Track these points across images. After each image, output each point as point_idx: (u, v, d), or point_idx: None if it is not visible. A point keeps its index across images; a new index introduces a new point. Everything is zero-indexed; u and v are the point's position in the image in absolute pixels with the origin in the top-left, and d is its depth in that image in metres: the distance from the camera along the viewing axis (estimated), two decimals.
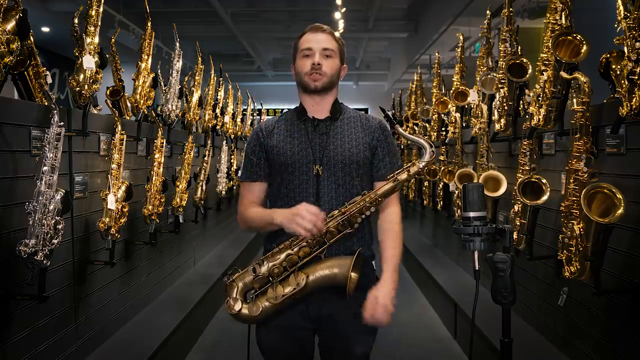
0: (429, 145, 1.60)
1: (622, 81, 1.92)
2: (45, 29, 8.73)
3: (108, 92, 3.22)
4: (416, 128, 5.92)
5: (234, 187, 6.02)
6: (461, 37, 4.47)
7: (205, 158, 4.64)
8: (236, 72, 12.83)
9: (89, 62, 2.49)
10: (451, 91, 4.39)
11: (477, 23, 6.10)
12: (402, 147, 6.82)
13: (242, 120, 6.91)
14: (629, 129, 2.07)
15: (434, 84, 5.25)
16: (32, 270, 2.00)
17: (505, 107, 3.08)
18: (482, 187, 1.47)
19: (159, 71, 3.57)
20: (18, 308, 2.09)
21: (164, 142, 3.39)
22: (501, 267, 1.39)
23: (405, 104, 7.08)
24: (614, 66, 2.05)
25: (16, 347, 2.08)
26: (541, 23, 2.97)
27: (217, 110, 5.40)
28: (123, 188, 2.75)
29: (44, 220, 2.00)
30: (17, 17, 2.02)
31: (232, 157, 5.84)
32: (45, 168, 2.02)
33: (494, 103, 3.31)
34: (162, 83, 3.69)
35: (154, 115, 3.75)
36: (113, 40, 3.29)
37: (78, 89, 2.49)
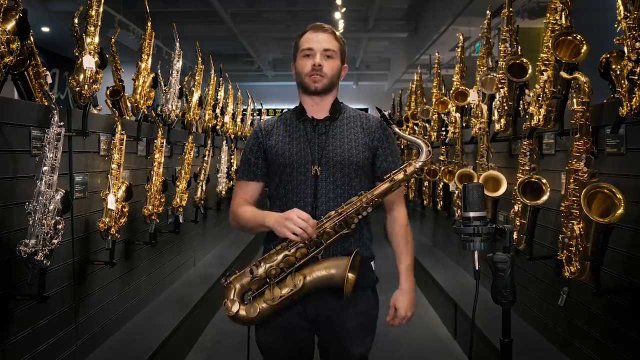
0: (425, 144, 1.60)
1: (622, 81, 1.92)
2: (45, 29, 8.72)
3: (108, 92, 3.22)
4: (416, 128, 5.92)
5: (234, 187, 6.01)
6: (461, 37, 4.47)
7: (205, 158, 4.64)
8: (236, 72, 12.82)
9: (89, 62, 2.49)
10: (451, 91, 4.39)
11: (477, 23, 6.10)
12: (402, 147, 6.82)
13: (242, 120, 6.91)
14: (629, 129, 2.07)
15: (434, 84, 5.25)
16: (32, 270, 2.00)
17: (505, 107, 3.08)
18: (482, 187, 1.47)
19: (159, 71, 3.57)
20: (18, 308, 2.09)
21: (164, 142, 3.39)
22: (501, 267, 1.39)
23: (405, 104, 7.08)
24: (614, 66, 2.05)
25: (16, 347, 2.08)
26: (541, 23, 2.97)
27: (217, 110, 5.40)
28: (123, 188, 2.75)
29: (44, 220, 2.00)
30: (17, 17, 2.02)
31: (232, 157, 5.84)
32: (45, 168, 2.02)
33: (494, 103, 3.31)
34: (162, 83, 3.69)
35: (154, 115, 3.75)
36: (113, 40, 3.29)
37: (78, 89, 2.49)
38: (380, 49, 13.85)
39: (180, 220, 3.85)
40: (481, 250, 1.42)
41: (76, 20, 2.50)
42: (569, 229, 2.17)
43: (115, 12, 7.50)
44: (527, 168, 2.74)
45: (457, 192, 4.02)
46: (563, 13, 2.44)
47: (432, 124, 5.28)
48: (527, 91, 2.89)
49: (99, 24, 2.56)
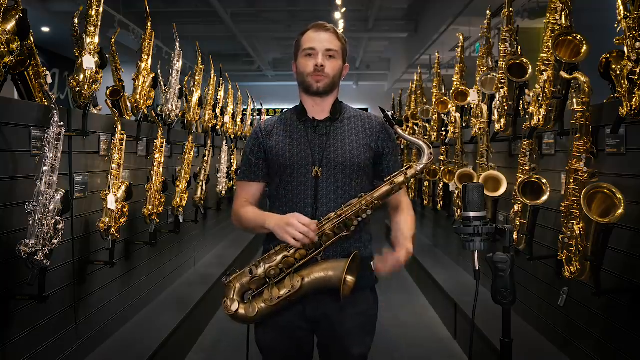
0: (427, 147, 1.59)
1: (622, 81, 1.92)
2: (45, 29, 8.73)
3: (108, 92, 3.22)
4: (416, 128, 5.92)
5: (234, 187, 6.02)
6: (461, 37, 4.47)
7: (205, 158, 4.64)
8: (236, 72, 12.83)
9: (89, 62, 2.49)
10: (451, 91, 4.39)
11: (477, 23, 6.10)
12: (402, 147, 6.82)
13: (242, 120, 6.91)
14: (629, 129, 2.07)
15: (434, 84, 5.24)
16: (32, 270, 2.00)
17: (505, 107, 3.08)
18: (482, 187, 1.47)
19: (159, 71, 3.57)
20: (18, 308, 2.09)
21: (164, 142, 3.39)
22: (501, 267, 1.39)
23: (405, 104, 7.08)
24: (614, 66, 2.05)
25: (16, 347, 2.08)
26: (541, 23, 2.97)
27: (217, 110, 5.41)
28: (123, 188, 2.75)
29: (44, 220, 2.00)
30: (17, 17, 2.02)
31: (232, 157, 5.84)
32: (45, 168, 2.02)
33: (494, 103, 3.31)
34: (162, 83, 3.69)
35: (154, 115, 3.75)
36: (113, 40, 3.29)
37: (78, 89, 2.49)
38: (380, 49, 13.85)
39: (180, 220, 3.85)
40: (481, 250, 1.42)
41: (76, 20, 2.50)
42: (569, 229, 2.17)
43: (115, 12, 7.50)
44: (527, 168, 2.74)
45: (457, 192, 4.02)
46: (563, 13, 2.44)
47: (432, 124, 5.28)
48: (527, 91, 2.89)
49: (99, 24, 2.56)
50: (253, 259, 5.28)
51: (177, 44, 3.86)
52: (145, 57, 3.36)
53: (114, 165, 2.71)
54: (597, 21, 3.24)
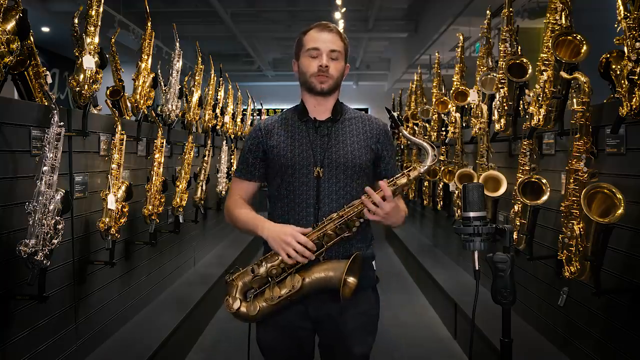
0: (431, 148, 1.58)
1: (622, 81, 1.92)
2: (45, 29, 8.72)
3: (108, 92, 3.22)
4: (416, 128, 5.92)
5: (231, 184, 6.01)
6: (461, 37, 4.47)
7: (205, 158, 4.64)
8: (236, 72, 12.82)
9: (89, 62, 2.49)
10: (451, 91, 4.39)
11: (477, 23, 6.10)
12: (402, 147, 6.82)
13: (242, 120, 6.91)
14: (629, 129, 2.07)
15: (434, 84, 5.24)
16: (32, 270, 2.00)
17: (505, 107, 3.08)
18: (482, 187, 1.47)
19: (159, 71, 3.57)
20: (18, 308, 2.09)
21: (164, 142, 3.39)
22: (501, 267, 1.39)
23: (405, 104, 7.07)
24: (614, 66, 2.05)
25: (16, 347, 2.08)
26: (541, 23, 2.97)
27: (217, 110, 5.41)
28: (123, 188, 2.75)
29: (44, 220, 2.00)
30: (17, 17, 2.02)
31: (232, 157, 5.84)
32: (45, 168, 2.02)
33: (494, 103, 3.31)
34: (162, 83, 3.69)
35: (154, 115, 3.75)
36: (113, 40, 3.29)
37: (78, 89, 2.49)
38: (380, 49, 13.85)
39: (180, 220, 3.85)
40: (481, 250, 1.42)
41: (76, 20, 2.50)
42: (569, 229, 2.17)
43: (115, 12, 7.50)
44: (527, 168, 2.74)
45: (457, 192, 4.02)
46: (563, 13, 2.44)
47: (432, 124, 5.28)
48: (527, 91, 2.89)
49: (99, 24, 2.56)
50: (253, 259, 5.27)
51: (177, 44, 3.86)
52: (145, 57, 3.36)
53: (114, 165, 2.71)
54: (597, 21, 3.24)
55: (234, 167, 5.74)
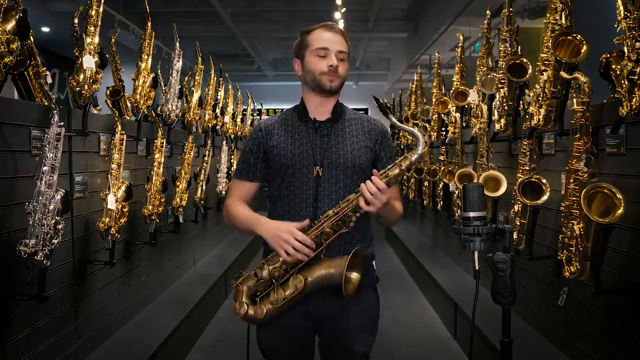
0: (422, 135, 1.57)
1: (622, 81, 1.92)
2: (45, 29, 8.72)
3: (108, 92, 3.22)
4: (416, 128, 5.92)
5: (230, 185, 6.01)
6: (461, 37, 4.47)
7: (205, 158, 4.64)
8: (236, 72, 12.82)
9: (89, 62, 2.49)
10: (451, 91, 4.39)
11: (477, 23, 6.10)
12: (402, 147, 6.82)
13: (242, 120, 6.92)
14: (629, 129, 2.07)
15: (434, 84, 5.24)
16: (32, 270, 2.00)
17: (505, 107, 3.08)
18: (482, 187, 1.47)
19: (159, 71, 3.57)
20: (18, 308, 2.09)
21: (164, 142, 3.39)
22: (501, 267, 1.39)
23: (405, 104, 7.07)
24: (614, 66, 2.05)
25: (16, 347, 2.08)
26: (541, 23, 2.97)
27: (217, 110, 5.41)
28: (123, 188, 2.75)
29: (44, 220, 2.00)
30: (17, 17, 2.02)
31: (232, 157, 5.84)
32: (45, 168, 2.02)
33: (494, 103, 3.31)
34: (162, 83, 3.69)
35: (154, 115, 3.75)
36: (113, 40, 3.29)
37: (78, 89, 2.49)
38: (380, 49, 13.85)
39: (180, 220, 3.85)
40: (481, 250, 1.42)
41: (76, 20, 2.50)
42: (569, 229, 2.17)
43: (115, 12, 7.50)
44: (527, 168, 2.74)
45: (457, 192, 4.02)
46: (563, 13, 2.44)
47: (432, 124, 5.28)
48: (527, 91, 2.89)
49: (99, 24, 2.56)
50: (253, 259, 5.26)
51: (177, 44, 3.86)
52: (145, 57, 3.36)
53: (114, 165, 2.71)
54: (597, 21, 3.24)
55: (234, 167, 5.74)
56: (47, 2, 8.30)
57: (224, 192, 5.40)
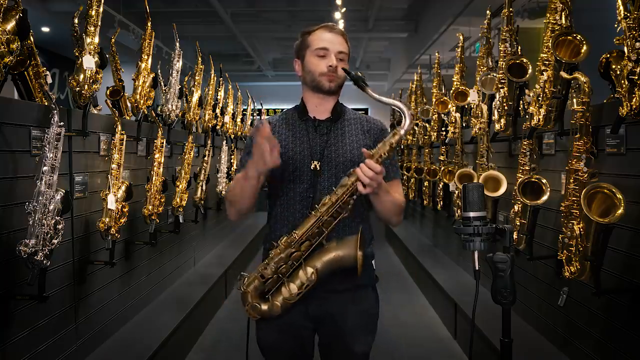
0: (407, 107, 1.55)
1: (622, 81, 1.92)
2: (45, 29, 8.72)
3: (108, 92, 3.22)
4: (416, 128, 5.92)
5: (232, 182, 6.01)
6: (461, 37, 4.47)
7: (205, 158, 4.64)
8: (236, 72, 12.82)
9: (89, 62, 2.49)
10: (451, 91, 4.39)
11: (477, 23, 6.10)
12: (402, 147, 6.82)
13: (242, 120, 6.92)
14: (629, 129, 2.07)
15: (434, 84, 5.24)
16: (32, 270, 2.00)
17: (505, 107, 3.08)
18: (482, 187, 1.47)
19: (159, 71, 3.57)
20: (18, 308, 2.09)
21: (164, 142, 3.39)
22: (501, 267, 1.39)
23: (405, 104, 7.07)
24: (614, 66, 2.05)
25: (16, 347, 2.08)
26: (541, 23, 2.97)
27: (217, 110, 5.41)
28: (123, 188, 2.75)
29: (44, 220, 2.00)
30: (17, 17, 2.02)
31: (232, 157, 5.84)
32: (45, 168, 2.02)
33: (494, 103, 3.31)
34: (162, 83, 3.69)
35: (154, 115, 3.75)
36: (113, 40, 3.29)
37: (78, 89, 2.49)
38: (380, 49, 13.84)
39: (180, 220, 3.85)
40: (481, 250, 1.42)
41: (76, 20, 2.50)
42: (569, 229, 2.17)
43: (115, 12, 7.50)
44: (527, 168, 2.74)
45: (457, 192, 4.02)
46: (563, 13, 2.44)
47: (432, 124, 5.28)
48: (527, 91, 2.89)
49: (99, 24, 2.56)
50: (253, 258, 5.24)
51: (177, 44, 3.86)
52: (145, 57, 3.36)
53: (114, 165, 2.71)
54: (597, 21, 3.24)
55: (234, 167, 5.75)
56: (47, 2, 8.30)
57: (223, 192, 5.39)
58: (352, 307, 1.68)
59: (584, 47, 2.30)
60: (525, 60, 2.91)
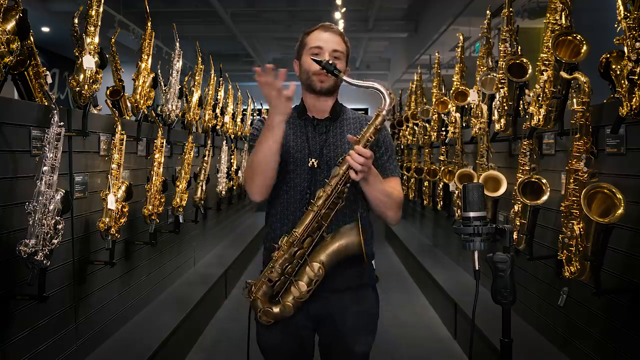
0: (384, 88, 1.54)
1: (622, 81, 1.92)
2: (45, 29, 8.72)
3: (108, 92, 3.22)
4: (416, 128, 5.92)
5: (234, 187, 6.02)
6: (461, 37, 4.47)
7: (205, 158, 4.64)
8: (236, 72, 12.81)
9: (89, 62, 2.49)
10: (451, 91, 4.39)
11: (477, 23, 6.10)
12: (402, 147, 6.82)
13: (242, 120, 6.92)
14: (629, 129, 2.07)
15: (434, 84, 5.24)
16: (32, 270, 2.00)
17: (505, 107, 3.08)
18: (482, 187, 1.47)
19: (159, 71, 3.56)
20: (18, 308, 2.09)
21: (164, 142, 3.39)
22: (501, 267, 1.39)
23: (405, 104, 7.08)
24: (614, 66, 2.05)
25: (16, 347, 2.08)
26: (541, 23, 2.97)
27: (217, 110, 5.41)
28: (123, 188, 2.75)
29: (44, 220, 2.00)
30: (17, 17, 2.02)
31: (232, 157, 5.84)
32: (45, 168, 2.02)
33: (494, 103, 3.31)
34: (162, 83, 3.69)
35: (154, 115, 3.75)
36: (113, 40, 3.29)
37: (78, 89, 2.49)
38: (380, 49, 13.85)
39: (180, 220, 3.85)
40: (481, 250, 1.42)
41: (76, 20, 2.50)
42: (569, 229, 2.17)
43: (115, 12, 7.50)
44: (527, 168, 2.74)
45: (457, 192, 4.02)
46: (563, 13, 2.44)
47: (432, 124, 5.28)
48: (527, 91, 2.89)
49: (99, 24, 2.56)
50: (253, 258, 5.22)
51: (177, 44, 3.86)
52: (145, 57, 3.36)
53: (114, 165, 2.71)
54: (597, 21, 3.24)
55: (234, 167, 5.75)
56: (47, 2, 8.30)
57: (224, 192, 5.40)
58: (352, 307, 1.68)
59: (584, 47, 2.30)
60: (525, 60, 2.91)
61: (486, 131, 3.47)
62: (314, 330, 1.72)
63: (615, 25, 1.95)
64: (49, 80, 2.43)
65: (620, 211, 1.94)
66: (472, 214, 1.43)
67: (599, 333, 2.28)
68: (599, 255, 2.06)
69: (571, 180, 2.17)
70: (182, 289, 3.88)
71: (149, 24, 3.38)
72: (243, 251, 5.34)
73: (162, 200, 3.32)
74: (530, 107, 2.59)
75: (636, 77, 1.86)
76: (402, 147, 6.82)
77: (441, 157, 4.76)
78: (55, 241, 2.05)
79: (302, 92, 1.75)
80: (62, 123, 2.10)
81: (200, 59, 4.62)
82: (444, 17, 8.32)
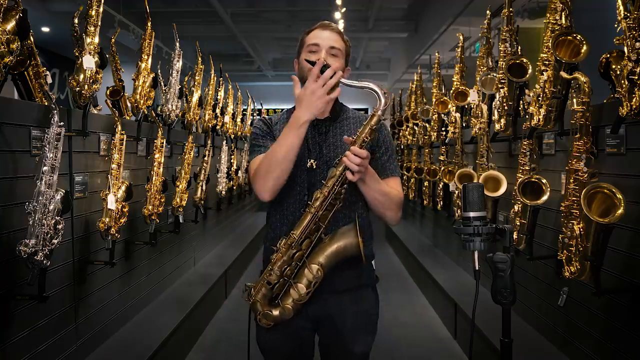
0: (379, 88, 1.54)
1: (622, 81, 1.92)
2: (45, 29, 8.72)
3: (108, 92, 3.22)
4: (416, 128, 5.92)
5: (234, 187, 6.02)
6: (461, 37, 4.47)
7: (205, 158, 4.64)
8: (236, 72, 12.82)
9: (89, 62, 2.49)
10: (451, 91, 4.39)
11: (477, 23, 6.10)
12: (402, 147, 6.82)
13: (242, 120, 6.92)
14: (629, 129, 2.07)
15: (434, 84, 5.24)
16: (32, 270, 2.00)
17: (505, 107, 3.08)
18: (482, 187, 1.47)
19: (159, 71, 3.56)
20: (18, 308, 2.09)
21: (164, 142, 3.39)
22: (501, 267, 1.39)
23: (405, 104, 7.08)
24: (614, 66, 2.05)
25: (16, 347, 2.08)
26: (541, 23, 2.97)
27: (217, 110, 5.41)
28: (123, 188, 2.75)
29: (44, 220, 2.00)
30: (17, 17, 2.02)
31: (232, 157, 5.84)
32: (45, 168, 2.02)
33: (494, 103, 3.31)
34: (162, 83, 3.69)
35: (154, 115, 3.75)
36: (113, 40, 3.29)
37: (78, 89, 2.49)
38: (380, 49, 13.84)
39: (180, 220, 3.85)
40: (481, 250, 1.42)
41: (76, 20, 2.50)
42: (569, 229, 2.17)
43: (115, 12, 7.50)
44: (527, 168, 2.74)
45: (457, 192, 4.02)
46: (563, 13, 2.44)
47: (432, 124, 5.28)
48: (527, 91, 2.89)
49: (99, 24, 2.56)
50: (253, 258, 5.23)
51: (177, 44, 3.86)
52: (145, 57, 3.36)
53: (114, 165, 2.71)
54: (597, 21, 3.24)
55: (234, 167, 5.75)
56: (47, 2, 8.30)
57: (224, 192, 5.40)
58: (351, 307, 1.68)
59: (584, 47, 2.30)
60: (525, 60, 2.91)
61: (486, 131, 3.47)
62: (313, 330, 1.72)
63: (615, 25, 1.95)
64: (49, 80, 2.43)
65: (620, 211, 1.94)
66: (472, 214, 1.43)
67: (599, 333, 2.28)
68: (599, 255, 2.06)
69: (571, 180, 2.17)
70: (182, 289, 3.88)
71: (149, 24, 3.38)
72: (243, 251, 5.34)
73: (162, 200, 3.32)
74: (530, 107, 2.59)
75: (636, 77, 1.86)
76: (402, 147, 6.82)
77: (441, 157, 4.77)
78: (55, 241, 2.05)
79: None
80: (62, 123, 2.10)
81: (200, 59, 4.62)
82: (444, 17, 8.32)
